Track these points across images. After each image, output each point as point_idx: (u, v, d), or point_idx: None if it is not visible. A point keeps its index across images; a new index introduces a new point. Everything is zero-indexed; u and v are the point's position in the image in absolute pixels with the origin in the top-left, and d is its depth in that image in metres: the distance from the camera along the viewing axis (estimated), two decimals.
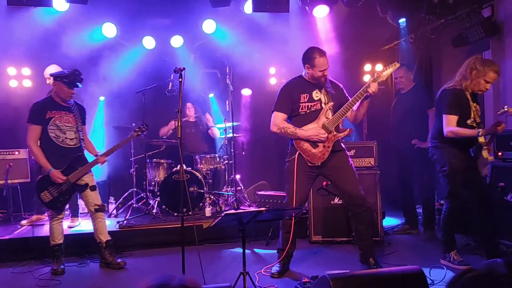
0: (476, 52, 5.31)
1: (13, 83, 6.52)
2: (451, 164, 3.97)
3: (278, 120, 3.90)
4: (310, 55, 3.83)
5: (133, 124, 6.34)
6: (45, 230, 5.34)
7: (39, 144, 4.20)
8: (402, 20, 6.38)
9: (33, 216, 5.73)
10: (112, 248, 4.41)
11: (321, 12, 6.26)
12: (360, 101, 3.73)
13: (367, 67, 7.41)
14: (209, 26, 6.62)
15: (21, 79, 6.66)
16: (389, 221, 5.85)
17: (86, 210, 6.19)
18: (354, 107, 3.79)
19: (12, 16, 5.80)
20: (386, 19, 6.34)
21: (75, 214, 5.72)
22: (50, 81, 5.58)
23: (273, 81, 7.61)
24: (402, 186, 5.58)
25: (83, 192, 4.35)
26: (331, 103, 3.86)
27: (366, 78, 7.36)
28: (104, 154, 4.40)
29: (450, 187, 4.00)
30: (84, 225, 5.61)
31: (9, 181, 5.84)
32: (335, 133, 3.81)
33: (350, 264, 4.09)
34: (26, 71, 6.68)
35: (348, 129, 3.92)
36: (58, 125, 4.22)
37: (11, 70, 6.50)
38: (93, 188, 4.35)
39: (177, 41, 6.90)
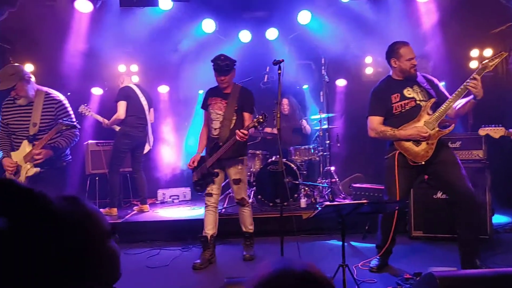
0: None
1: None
2: None
3: (375, 124, 3.78)
4: (393, 48, 3.74)
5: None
6: (151, 216, 5.79)
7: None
8: None
9: (139, 205, 6.17)
10: (247, 239, 4.51)
11: None
12: (466, 101, 3.50)
13: (474, 52, 6.87)
14: (304, 17, 6.60)
15: (129, 76, 7.17)
16: (499, 219, 5.40)
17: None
18: (455, 105, 3.56)
19: (123, 16, 6.28)
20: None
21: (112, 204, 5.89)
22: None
23: (369, 70, 7.40)
24: None
25: (212, 179, 4.35)
26: (433, 99, 3.67)
27: (473, 64, 6.85)
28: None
29: None
30: (185, 212, 5.95)
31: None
32: (438, 129, 3.60)
33: (454, 263, 3.83)
34: (134, 67, 7.20)
35: (452, 124, 3.70)
36: (211, 112, 4.33)
37: (121, 67, 7.04)
38: (235, 182, 4.34)
39: (272, 33, 6.98)
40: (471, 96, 3.47)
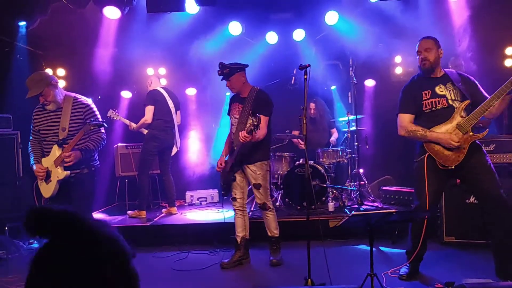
0: None
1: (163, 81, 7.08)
2: None
3: (405, 123, 3.67)
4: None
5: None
6: (179, 219, 5.83)
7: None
8: None
9: (167, 208, 6.22)
10: (274, 244, 4.44)
11: None
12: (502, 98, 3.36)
13: (509, 50, 6.62)
14: (331, 17, 6.50)
15: (157, 77, 7.23)
16: None
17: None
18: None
19: (150, 21, 6.37)
20: None
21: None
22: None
23: (398, 70, 7.25)
24: None
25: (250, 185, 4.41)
26: (467, 101, 3.51)
27: (508, 62, 6.62)
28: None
29: None
30: (212, 215, 5.96)
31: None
32: (471, 133, 3.46)
33: (489, 272, 3.67)
34: (162, 70, 7.28)
35: (486, 129, 3.57)
36: (231, 117, 4.43)
37: (150, 71, 7.13)
38: (255, 187, 4.33)
39: (299, 34, 6.92)
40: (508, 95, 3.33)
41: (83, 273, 0.90)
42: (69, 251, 0.92)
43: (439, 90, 3.59)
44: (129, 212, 5.98)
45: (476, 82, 3.67)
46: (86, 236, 0.95)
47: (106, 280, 0.93)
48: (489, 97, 3.39)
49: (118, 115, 6.11)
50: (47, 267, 0.91)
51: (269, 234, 4.47)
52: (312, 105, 6.67)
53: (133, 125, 6.15)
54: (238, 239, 4.42)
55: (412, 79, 3.81)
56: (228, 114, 4.55)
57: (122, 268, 0.97)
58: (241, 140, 3.94)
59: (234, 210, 4.46)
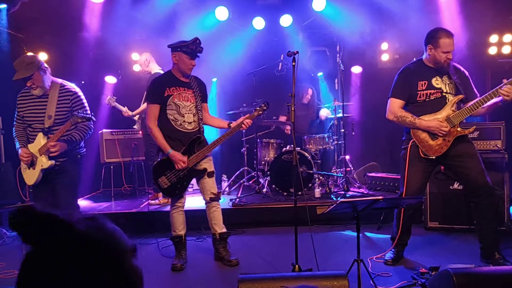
0: None
1: (136, 68, 6.99)
2: None
3: (395, 108, 3.69)
4: (434, 34, 3.58)
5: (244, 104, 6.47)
6: (166, 205, 5.78)
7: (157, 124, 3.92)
8: None
9: (161, 198, 6.09)
10: (226, 241, 4.06)
11: None
12: (492, 103, 3.44)
13: (493, 38, 6.67)
14: (319, 3, 6.46)
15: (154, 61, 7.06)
16: None
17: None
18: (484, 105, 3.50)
19: (135, 5, 6.24)
20: None
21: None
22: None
23: (385, 57, 7.26)
24: None
25: (201, 178, 4.00)
26: (461, 96, 3.57)
27: (492, 50, 6.66)
28: (235, 122, 3.94)
29: None
30: (199, 201, 5.93)
31: (135, 158, 6.38)
32: (459, 128, 3.52)
33: (471, 256, 3.78)
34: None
35: (473, 126, 3.71)
36: (177, 103, 3.84)
37: (135, 56, 7.01)
38: (210, 175, 3.99)
39: (286, 20, 6.87)
40: (499, 99, 3.41)
41: (74, 282, 0.86)
42: (55, 260, 0.87)
43: (435, 82, 3.62)
44: (150, 202, 5.73)
45: (469, 77, 3.73)
46: (73, 243, 0.89)
47: (104, 285, 0.89)
48: (480, 97, 3.46)
49: (114, 101, 6.02)
50: (34, 277, 0.87)
51: (219, 230, 4.00)
52: (310, 91, 6.64)
53: (130, 112, 6.06)
54: (183, 238, 4.03)
55: (411, 64, 3.81)
56: (157, 101, 3.85)
57: (120, 268, 0.93)
58: (245, 127, 3.89)
59: (178, 207, 4.00)
